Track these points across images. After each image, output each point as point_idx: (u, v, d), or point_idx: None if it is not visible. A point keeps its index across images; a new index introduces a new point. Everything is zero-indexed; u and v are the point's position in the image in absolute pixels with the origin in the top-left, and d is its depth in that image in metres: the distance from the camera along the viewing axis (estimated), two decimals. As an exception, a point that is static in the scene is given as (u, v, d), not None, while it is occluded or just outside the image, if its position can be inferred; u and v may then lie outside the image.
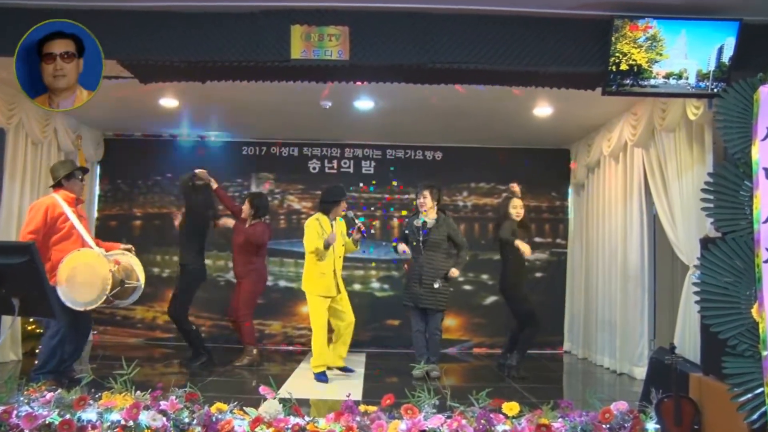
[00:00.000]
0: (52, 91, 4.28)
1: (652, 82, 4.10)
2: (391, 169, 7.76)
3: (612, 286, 6.28)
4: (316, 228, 5.48)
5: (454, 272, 5.69)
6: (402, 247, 5.76)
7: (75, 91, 4.31)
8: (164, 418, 3.40)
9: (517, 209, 5.86)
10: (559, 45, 4.40)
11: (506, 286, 5.87)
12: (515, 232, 5.75)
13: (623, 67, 4.09)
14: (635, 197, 5.84)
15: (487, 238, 7.58)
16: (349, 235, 5.78)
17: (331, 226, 5.56)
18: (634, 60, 4.06)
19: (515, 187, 6.18)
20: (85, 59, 4.23)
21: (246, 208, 6.16)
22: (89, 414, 3.41)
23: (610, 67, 4.12)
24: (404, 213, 7.63)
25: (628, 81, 4.12)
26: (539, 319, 5.81)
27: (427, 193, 5.74)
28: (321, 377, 5.36)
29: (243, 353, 6.11)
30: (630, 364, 5.81)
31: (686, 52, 4.04)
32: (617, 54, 4.07)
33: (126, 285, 4.50)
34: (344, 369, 5.72)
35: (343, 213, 5.70)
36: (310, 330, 7.19)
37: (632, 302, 5.81)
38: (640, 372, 5.47)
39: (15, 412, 3.37)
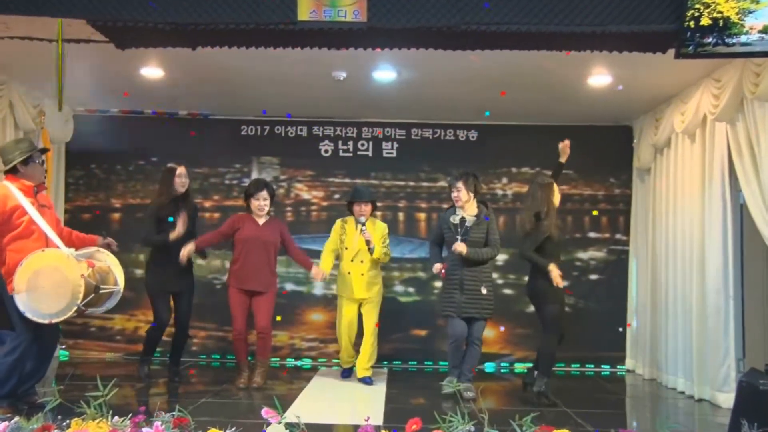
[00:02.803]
0: None
1: (743, 38, 3.96)
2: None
3: (686, 291, 6.12)
4: (336, 231, 6.35)
5: (461, 247, 5.61)
6: (438, 267, 5.88)
7: None
8: (147, 450, 3.35)
9: (557, 198, 5.70)
10: (621, -2, 4.30)
11: (536, 287, 5.58)
12: (554, 237, 5.49)
13: (704, 21, 3.95)
14: (716, 183, 5.66)
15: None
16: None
17: (357, 229, 6.19)
18: (719, 12, 3.91)
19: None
20: None
21: (266, 200, 6.02)
22: (54, 446, 3.37)
23: (686, 23, 4.01)
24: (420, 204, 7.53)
25: (710, 39, 4.00)
26: (563, 326, 5.57)
27: (460, 185, 5.73)
28: (343, 374, 6.49)
29: (258, 370, 5.99)
30: (711, 389, 5.63)
31: (795, -4, 3.86)
32: (697, 6, 3.94)
33: (101, 291, 4.45)
34: (362, 379, 6.26)
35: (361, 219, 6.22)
36: (321, 342, 7.43)
37: (713, 312, 5.62)
38: (726, 399, 5.33)
39: (-38, 445, 3.33)
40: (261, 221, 6.02)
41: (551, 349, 5.51)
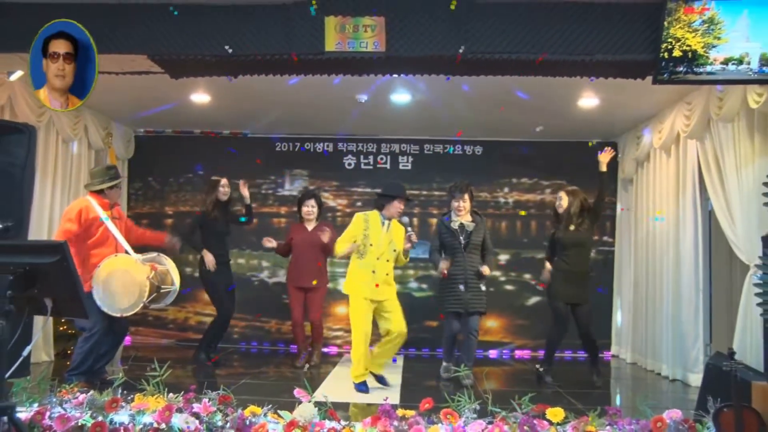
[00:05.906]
0: (50, 89, 4.44)
1: (709, 68, 3.99)
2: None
3: (663, 286, 6.13)
4: (360, 225, 5.12)
5: (487, 270, 5.59)
6: (445, 264, 5.50)
7: (67, 94, 4.45)
8: (197, 421, 3.43)
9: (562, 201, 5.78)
10: (606, 32, 4.37)
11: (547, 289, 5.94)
12: (562, 239, 5.70)
13: (676, 53, 3.99)
14: (688, 192, 5.68)
15: (530, 236, 7.52)
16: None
17: (384, 226, 5.14)
18: (688, 45, 3.95)
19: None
20: (78, 66, 4.36)
21: (314, 206, 6.29)
22: (121, 416, 3.46)
23: (661, 54, 4.04)
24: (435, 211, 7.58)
25: (681, 68, 4.03)
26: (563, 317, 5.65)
27: (467, 196, 5.67)
28: (361, 387, 5.07)
29: (315, 352, 6.37)
30: (684, 370, 5.66)
31: (748, 35, 3.91)
32: (670, 40, 3.97)
33: (162, 290, 4.61)
34: (379, 378, 5.31)
35: (398, 216, 5.23)
36: (346, 331, 7.34)
37: (686, 304, 5.66)
38: (696, 379, 5.34)
39: (48, 413, 3.45)
40: (310, 227, 6.24)
41: (555, 341, 5.76)
